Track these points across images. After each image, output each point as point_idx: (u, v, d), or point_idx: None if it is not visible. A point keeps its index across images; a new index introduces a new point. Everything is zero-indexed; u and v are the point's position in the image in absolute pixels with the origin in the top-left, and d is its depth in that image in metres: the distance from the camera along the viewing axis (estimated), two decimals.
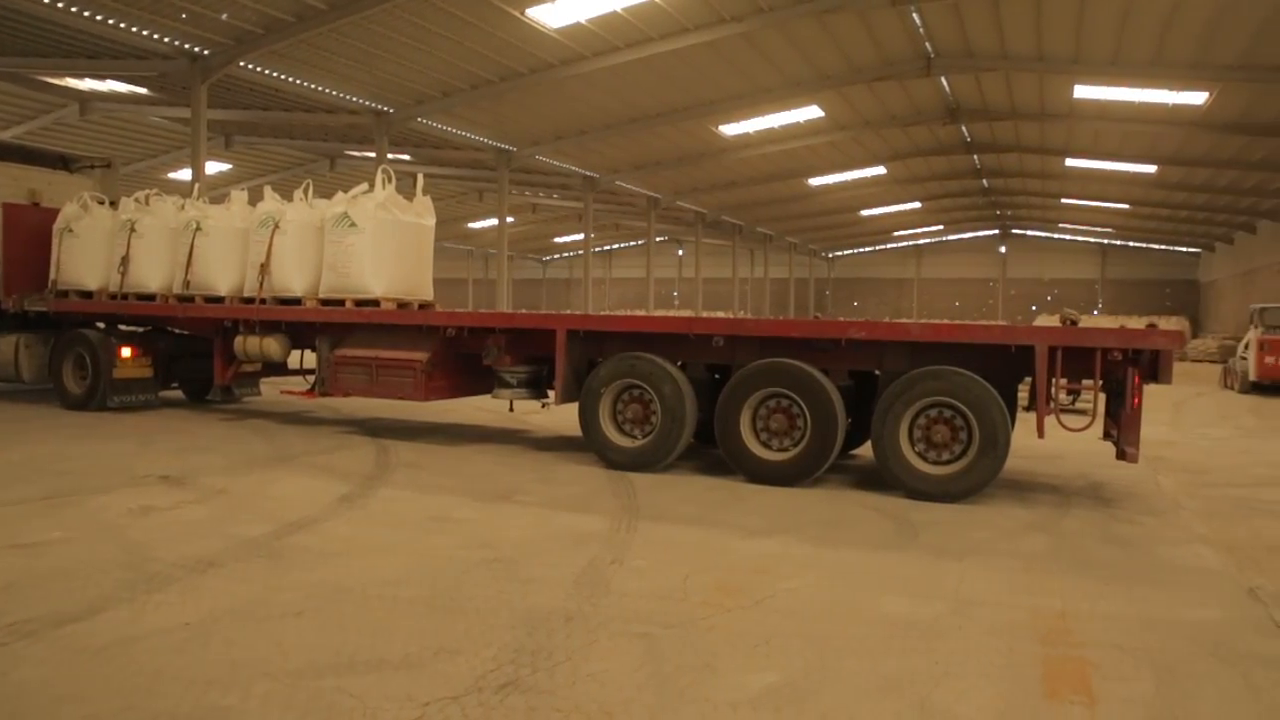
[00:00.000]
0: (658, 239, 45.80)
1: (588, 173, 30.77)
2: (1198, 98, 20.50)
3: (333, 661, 3.60)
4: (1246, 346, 19.35)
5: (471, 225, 45.97)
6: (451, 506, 6.53)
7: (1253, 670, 3.77)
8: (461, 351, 9.31)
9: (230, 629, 3.94)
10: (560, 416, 10.26)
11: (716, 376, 8.27)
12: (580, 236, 35.78)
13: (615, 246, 60.10)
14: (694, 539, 5.77)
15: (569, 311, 37.13)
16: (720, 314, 43.71)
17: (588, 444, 8.33)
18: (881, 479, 7.34)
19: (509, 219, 32.00)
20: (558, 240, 55.96)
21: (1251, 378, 18.65)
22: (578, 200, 34.31)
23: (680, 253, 58.23)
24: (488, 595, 4.48)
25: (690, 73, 20.81)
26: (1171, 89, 20.11)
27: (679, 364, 8.19)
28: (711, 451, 8.48)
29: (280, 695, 3.28)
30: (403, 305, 9.91)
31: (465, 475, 7.80)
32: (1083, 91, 21.52)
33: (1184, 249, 49.67)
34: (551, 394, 8.76)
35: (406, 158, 28.38)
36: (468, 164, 30.01)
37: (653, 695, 3.39)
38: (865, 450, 8.01)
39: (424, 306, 10.19)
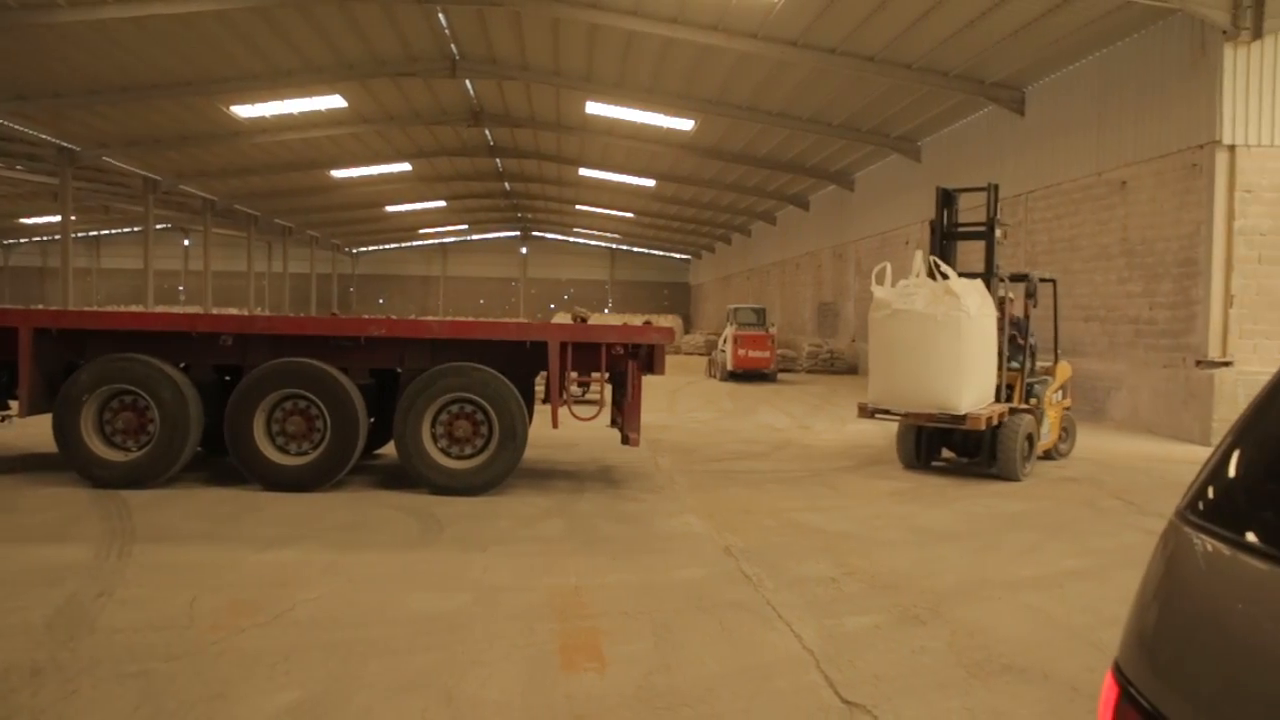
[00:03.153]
0: (159, 226, 40.92)
1: (65, 144, 26.35)
2: (686, 124, 23.60)
3: None
4: (725, 341, 22.60)
5: None
6: None
7: (726, 615, 4.44)
8: None
9: None
10: (29, 432, 8.68)
11: (227, 379, 7.65)
12: (57, 219, 30.60)
13: (106, 233, 52.67)
14: (201, 558, 5.23)
15: (39, 307, 31.75)
16: (233, 310, 40.57)
17: (66, 462, 7.16)
18: (407, 477, 7.31)
19: None
20: (25, 221, 47.33)
21: (729, 368, 21.84)
22: (53, 175, 29.31)
23: (187, 243, 52.77)
24: None
25: (198, 44, 18.85)
26: (666, 114, 22.82)
27: (181, 366, 7.41)
28: (223, 460, 7.77)
29: None
30: None
31: None
32: (594, 108, 23.54)
33: (678, 255, 57.10)
34: (14, 405, 7.39)
35: None
36: None
37: None
38: (389, 449, 7.90)
39: None
